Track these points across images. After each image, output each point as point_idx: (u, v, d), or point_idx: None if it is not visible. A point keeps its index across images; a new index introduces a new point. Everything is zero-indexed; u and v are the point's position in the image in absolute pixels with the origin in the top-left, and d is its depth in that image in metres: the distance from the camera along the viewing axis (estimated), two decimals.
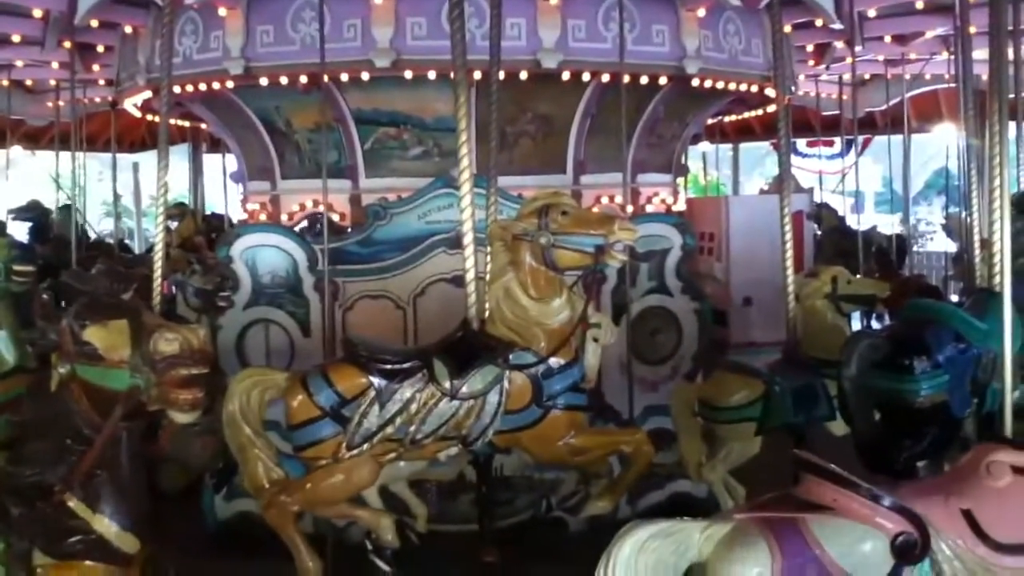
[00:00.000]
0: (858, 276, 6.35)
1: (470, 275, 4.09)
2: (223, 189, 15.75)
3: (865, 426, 4.23)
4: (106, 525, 2.83)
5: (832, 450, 4.74)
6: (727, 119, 12.94)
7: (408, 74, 6.75)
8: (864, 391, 4.21)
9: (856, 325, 7.83)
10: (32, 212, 12.95)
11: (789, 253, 5.34)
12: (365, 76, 6.82)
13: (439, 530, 4.94)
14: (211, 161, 17.55)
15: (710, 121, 11.91)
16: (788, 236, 5.41)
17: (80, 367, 2.75)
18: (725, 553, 2.56)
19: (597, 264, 3.91)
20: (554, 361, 3.96)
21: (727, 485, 5.26)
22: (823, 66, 10.06)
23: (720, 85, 7.51)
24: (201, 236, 12.53)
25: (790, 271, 5.34)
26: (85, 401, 2.76)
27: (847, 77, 11.67)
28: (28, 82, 12.00)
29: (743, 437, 5.13)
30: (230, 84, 7.25)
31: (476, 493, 4.34)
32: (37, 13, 7.76)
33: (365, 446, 3.87)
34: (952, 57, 9.24)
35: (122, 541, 2.85)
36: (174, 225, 12.09)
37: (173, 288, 7.80)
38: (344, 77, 6.86)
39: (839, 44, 9.00)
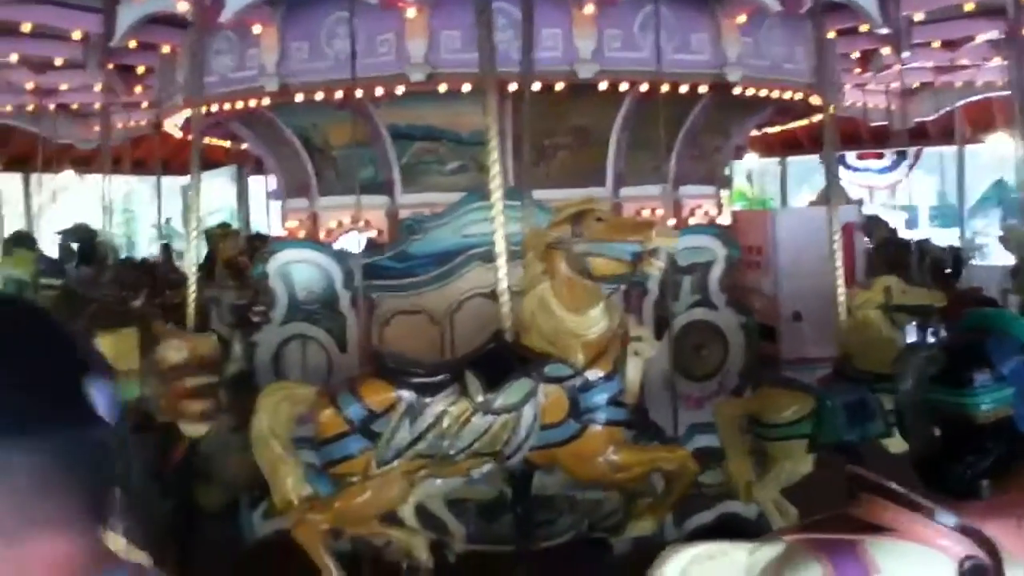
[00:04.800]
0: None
1: (503, 285, 3.95)
2: (267, 210, 15.92)
3: (923, 443, 3.96)
4: (118, 543, 2.72)
5: (888, 469, 4.51)
6: (773, 131, 12.67)
7: (443, 88, 6.68)
8: (921, 406, 3.95)
9: (909, 339, 7.51)
10: (79, 234, 13.13)
11: (839, 264, 5.13)
12: (400, 91, 6.76)
13: (478, 551, 4.79)
14: (256, 183, 17.76)
15: (756, 133, 11.70)
16: (837, 247, 5.20)
17: None
18: None
19: (635, 273, 3.75)
20: (591, 374, 3.80)
21: (778, 506, 5.02)
22: (869, 73, 9.80)
23: (762, 93, 7.33)
24: (245, 256, 12.56)
25: (840, 283, 5.12)
26: None
27: (895, 86, 11.41)
28: (74, 106, 12.20)
29: (794, 455, 4.90)
30: (266, 102, 7.26)
31: (514, 512, 4.18)
32: (76, 35, 7.85)
33: (396, 462, 3.75)
34: (1005, 62, 8.95)
35: (133, 558, 2.73)
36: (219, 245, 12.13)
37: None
38: (379, 92, 6.81)
39: (886, 50, 8.74)
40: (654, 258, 3.69)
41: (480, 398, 3.71)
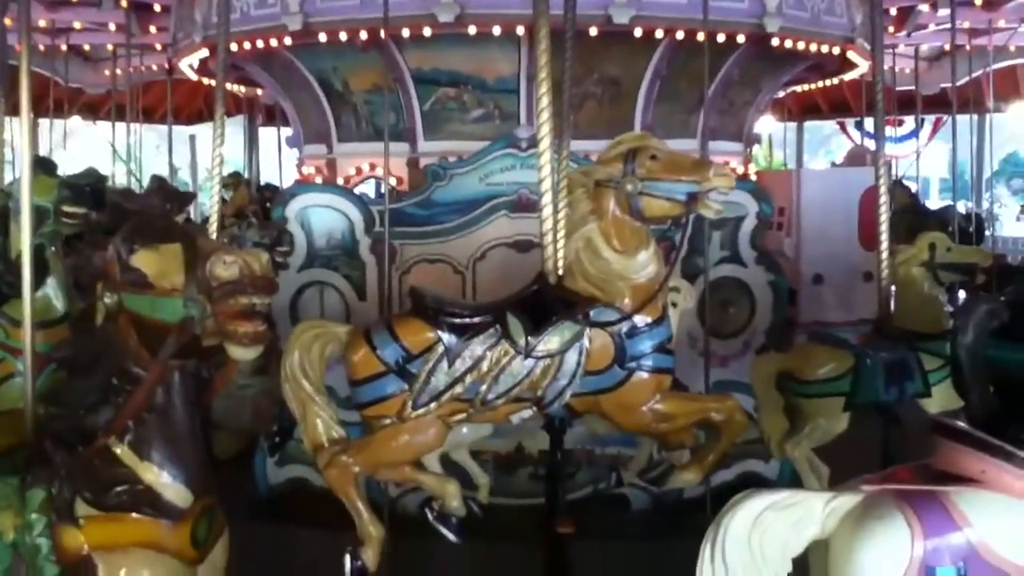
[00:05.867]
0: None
1: (547, 225, 3.78)
2: (278, 162, 15.74)
3: (981, 400, 3.85)
4: (155, 474, 2.56)
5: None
6: (795, 91, 12.42)
7: (472, 30, 6.47)
8: (981, 362, 3.83)
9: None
10: (88, 180, 12.95)
11: (884, 220, 4.97)
12: (427, 32, 6.55)
13: (496, 503, 4.69)
14: (266, 134, 17.52)
15: (778, 95, 11.44)
16: (884, 207, 5.03)
17: (128, 297, 2.48)
18: (855, 530, 2.21)
19: (688, 214, 3.58)
20: (639, 319, 3.63)
21: (810, 463, 4.92)
22: (904, 33, 9.54)
23: (800, 46, 7.10)
24: (255, 206, 12.42)
25: (885, 242, 4.96)
26: (134, 336, 2.48)
27: (924, 49, 11.15)
28: (86, 47, 11.96)
29: (830, 413, 4.78)
30: (288, 41, 7.05)
31: (548, 462, 4.05)
32: None
33: (432, 405, 3.60)
34: None
35: (173, 493, 2.59)
36: (228, 195, 11.99)
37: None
38: (405, 33, 6.60)
39: (924, 7, 8.48)
40: (710, 199, 3.52)
41: (522, 341, 3.55)
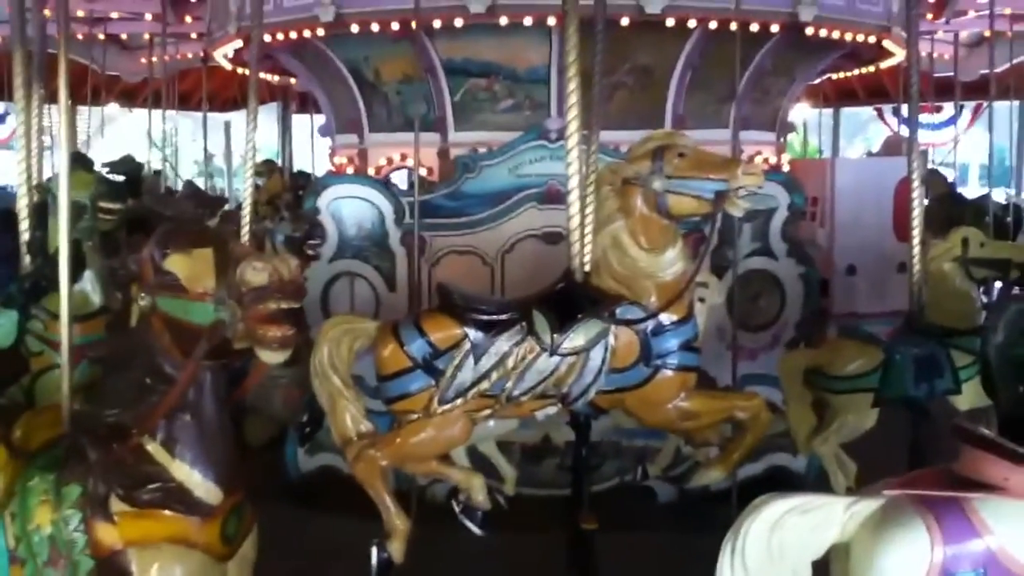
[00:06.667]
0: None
1: (575, 222, 3.78)
2: (311, 149, 15.85)
3: (1011, 401, 3.80)
4: (186, 472, 2.61)
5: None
6: (831, 76, 12.27)
7: (503, 20, 6.47)
8: (1012, 362, 3.78)
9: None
10: (125, 167, 13.14)
11: (917, 214, 4.91)
12: (459, 22, 6.56)
13: (522, 494, 4.74)
14: (299, 121, 17.62)
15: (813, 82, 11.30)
16: (917, 199, 4.97)
17: (161, 299, 2.54)
18: (874, 534, 2.22)
19: (716, 212, 3.57)
20: (665, 317, 3.64)
21: (838, 460, 4.89)
22: (942, 20, 9.38)
23: (835, 35, 7.01)
24: (288, 193, 12.52)
25: (917, 235, 4.91)
26: (167, 337, 2.54)
27: (964, 35, 10.95)
28: (123, 36, 12.11)
29: (858, 409, 4.75)
30: (320, 32, 7.10)
31: (573, 456, 4.07)
32: None
33: (458, 401, 3.63)
34: None
35: (203, 491, 2.64)
36: (261, 182, 12.09)
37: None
38: (436, 24, 6.61)
39: None
40: (738, 197, 3.52)
41: (548, 338, 3.57)
